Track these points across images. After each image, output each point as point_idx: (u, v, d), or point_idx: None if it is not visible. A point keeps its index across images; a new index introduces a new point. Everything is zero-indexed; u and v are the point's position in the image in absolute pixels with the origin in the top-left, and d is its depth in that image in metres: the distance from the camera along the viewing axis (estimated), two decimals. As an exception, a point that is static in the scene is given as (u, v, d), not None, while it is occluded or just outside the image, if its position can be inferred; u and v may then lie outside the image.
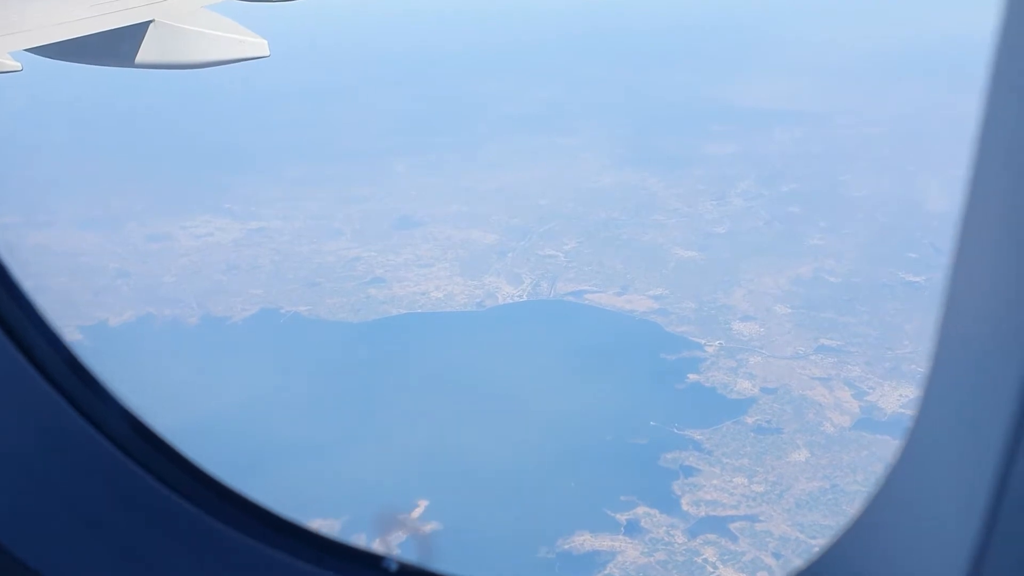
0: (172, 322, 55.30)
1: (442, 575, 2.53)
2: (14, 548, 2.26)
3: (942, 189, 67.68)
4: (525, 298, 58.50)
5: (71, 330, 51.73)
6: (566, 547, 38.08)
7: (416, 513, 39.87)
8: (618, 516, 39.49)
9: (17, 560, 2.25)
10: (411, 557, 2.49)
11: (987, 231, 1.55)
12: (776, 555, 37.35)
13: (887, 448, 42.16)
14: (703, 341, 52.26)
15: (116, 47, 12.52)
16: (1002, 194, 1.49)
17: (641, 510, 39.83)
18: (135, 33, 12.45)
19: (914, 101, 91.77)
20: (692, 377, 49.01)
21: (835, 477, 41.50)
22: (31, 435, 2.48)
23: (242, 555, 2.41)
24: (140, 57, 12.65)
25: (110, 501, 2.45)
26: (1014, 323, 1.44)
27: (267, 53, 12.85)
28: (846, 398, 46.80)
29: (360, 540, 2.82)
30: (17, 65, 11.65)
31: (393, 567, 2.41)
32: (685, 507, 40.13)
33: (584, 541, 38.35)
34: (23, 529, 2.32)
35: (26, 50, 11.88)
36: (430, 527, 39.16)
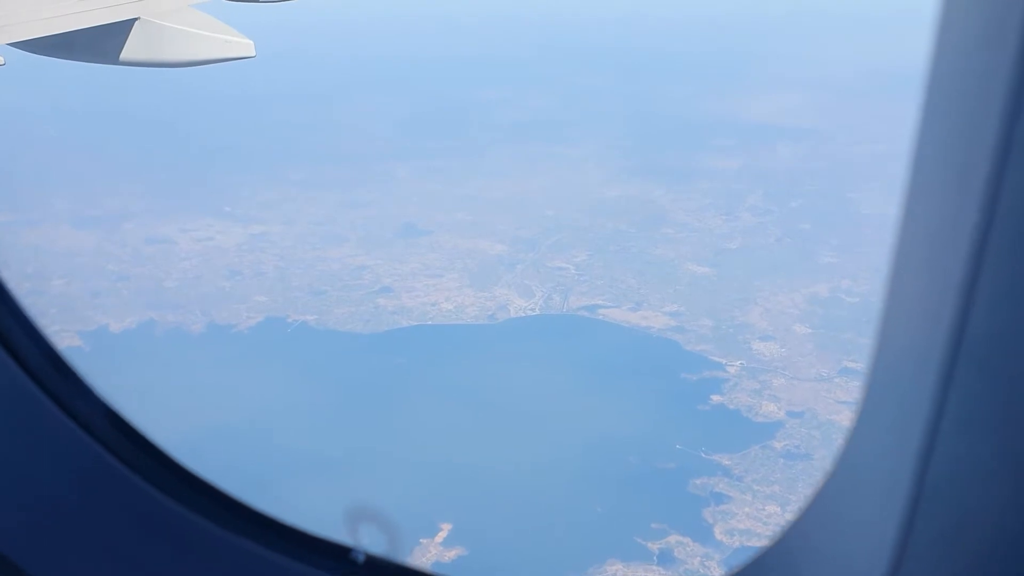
0: (176, 329, 53.38)
1: (410, 569, 2.50)
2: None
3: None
4: (538, 312, 57.05)
5: (71, 335, 49.84)
6: (598, 577, 36.65)
7: (439, 537, 38.32)
8: (650, 545, 38.05)
9: (2, 556, 2.28)
10: (379, 549, 2.44)
11: (918, 237, 1.59)
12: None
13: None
14: (724, 361, 51.01)
15: (101, 44, 12.35)
16: (932, 201, 1.54)
17: (674, 538, 38.42)
18: (120, 30, 12.29)
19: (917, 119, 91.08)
20: (715, 399, 47.72)
21: (870, 507, 40.28)
22: (14, 433, 2.46)
23: (213, 545, 2.42)
24: (125, 55, 12.47)
25: (90, 496, 2.46)
26: (930, 329, 1.48)
27: (253, 54, 12.68)
28: (874, 424, 45.63)
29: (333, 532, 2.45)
30: None
31: (360, 558, 2.40)
32: (719, 536, 38.77)
33: (616, 571, 36.86)
34: (6, 526, 2.34)
35: (9, 44, 11.61)
36: (454, 552, 37.66)
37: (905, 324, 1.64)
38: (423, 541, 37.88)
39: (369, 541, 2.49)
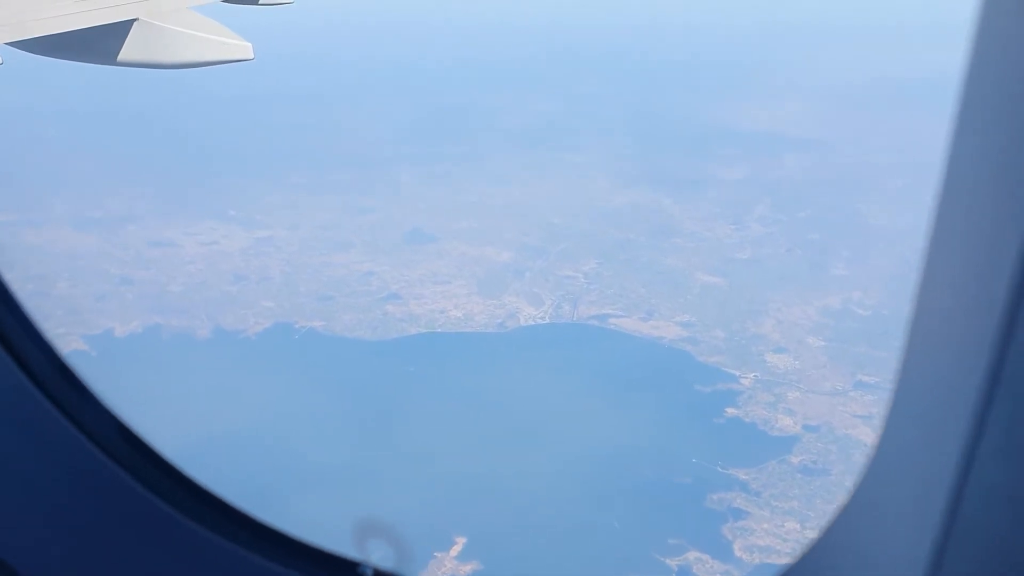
0: (182, 334, 52.53)
1: None
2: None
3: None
4: (548, 320, 56.34)
5: (75, 338, 48.99)
6: (617, 593, 35.94)
7: (454, 551, 37.56)
8: (669, 561, 37.35)
9: (2, 563, 2.26)
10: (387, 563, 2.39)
11: (954, 241, 1.55)
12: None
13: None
14: (738, 373, 50.35)
15: (99, 44, 12.33)
16: (971, 213, 1.52)
17: (692, 555, 37.71)
18: (118, 31, 12.27)
19: (923, 129, 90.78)
20: (730, 411, 47.06)
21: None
22: (16, 438, 2.43)
23: (219, 557, 2.40)
24: (123, 55, 12.45)
25: (93, 505, 2.44)
26: (972, 330, 1.46)
27: (251, 56, 12.69)
28: (891, 439, 45.00)
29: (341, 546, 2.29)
30: None
31: (369, 573, 2.38)
32: (738, 553, 38.08)
33: (636, 587, 36.22)
34: (6, 530, 2.33)
35: (7, 44, 11.51)
36: (470, 567, 36.90)
37: (940, 341, 1.57)
38: (437, 555, 37.12)
39: (378, 555, 2.43)
